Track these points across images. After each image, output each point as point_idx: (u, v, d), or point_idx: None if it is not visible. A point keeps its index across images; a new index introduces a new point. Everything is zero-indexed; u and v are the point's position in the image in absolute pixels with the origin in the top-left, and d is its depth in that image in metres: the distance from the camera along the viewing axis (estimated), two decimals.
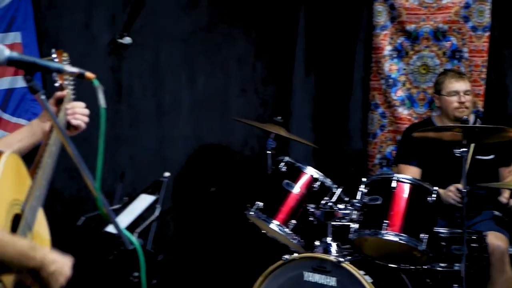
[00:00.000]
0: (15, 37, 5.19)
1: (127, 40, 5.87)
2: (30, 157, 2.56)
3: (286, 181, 4.85)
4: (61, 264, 2.01)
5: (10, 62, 2.03)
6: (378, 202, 4.58)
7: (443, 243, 4.70)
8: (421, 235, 4.47)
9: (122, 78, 5.97)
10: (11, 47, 5.04)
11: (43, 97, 2.04)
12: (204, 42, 6.46)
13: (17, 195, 2.13)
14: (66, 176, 5.25)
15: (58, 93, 2.82)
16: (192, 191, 6.21)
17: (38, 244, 2.01)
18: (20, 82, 5.20)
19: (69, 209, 5.47)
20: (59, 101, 2.82)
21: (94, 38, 5.80)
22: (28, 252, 1.91)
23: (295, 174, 4.86)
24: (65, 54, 2.98)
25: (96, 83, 2.10)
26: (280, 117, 5.59)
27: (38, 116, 2.83)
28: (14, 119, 5.19)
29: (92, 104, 2.89)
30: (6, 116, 5.15)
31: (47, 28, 5.46)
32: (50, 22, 5.51)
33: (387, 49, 6.36)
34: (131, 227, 3.44)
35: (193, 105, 6.44)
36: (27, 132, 2.78)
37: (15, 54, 2.03)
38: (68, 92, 2.84)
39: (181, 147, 6.38)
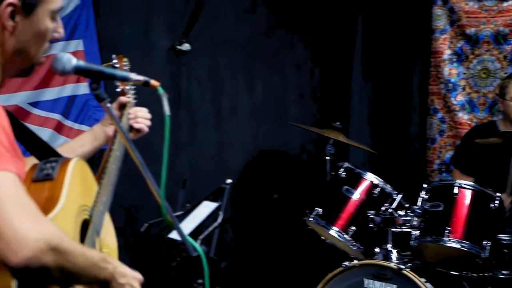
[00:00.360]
0: (77, 44, 5.26)
1: (186, 46, 5.92)
2: (91, 161, 2.59)
3: (346, 187, 4.82)
4: (131, 277, 2.02)
5: (77, 71, 2.06)
6: (440, 209, 4.53)
7: (505, 250, 4.62)
8: (484, 242, 4.40)
9: (181, 84, 6.02)
10: (74, 54, 5.09)
11: (109, 105, 2.06)
12: (262, 47, 6.48)
13: (85, 201, 2.16)
14: (127, 181, 5.30)
15: (122, 98, 2.85)
16: (251, 197, 6.23)
17: (109, 255, 2.03)
18: (82, 89, 5.28)
19: (130, 215, 5.53)
20: (122, 106, 2.86)
21: (154, 45, 5.86)
22: (99, 263, 1.92)
23: (354, 180, 4.84)
24: (125, 59, 3.01)
25: (161, 90, 2.11)
26: (338, 123, 5.56)
27: (99, 121, 2.86)
28: (76, 126, 5.26)
29: (150, 110, 2.93)
30: (68, 123, 5.22)
31: (108, 35, 5.53)
32: (110, 29, 5.58)
33: (447, 53, 6.29)
34: (194, 234, 3.45)
35: (251, 110, 6.47)
36: (89, 137, 2.81)
37: (82, 63, 2.05)
38: (130, 98, 2.88)
39: (239, 153, 6.40)
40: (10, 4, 1.92)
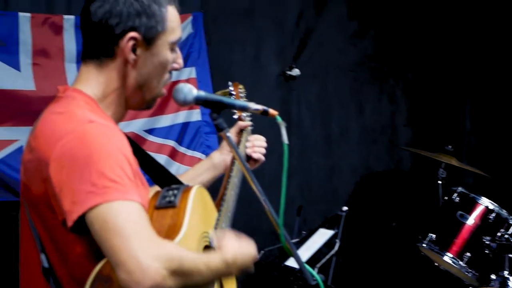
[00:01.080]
0: (190, 72, 5.37)
1: (295, 71, 5.96)
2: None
3: (460, 212, 4.73)
4: (246, 253, 2.05)
5: (197, 101, 2.10)
6: None
7: None
8: None
9: (291, 109, 6.05)
10: (187, 82, 5.24)
11: (228, 134, 2.09)
12: (371, 71, 6.45)
13: (205, 228, 2.19)
14: (239, 206, 5.36)
15: (241, 123, 2.87)
16: (363, 223, 6.17)
17: (226, 250, 2.02)
18: (195, 115, 5.38)
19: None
20: (240, 131, 2.88)
21: (264, 70, 5.92)
22: (222, 269, 1.91)
23: (469, 205, 4.74)
24: (240, 86, 3.03)
25: (279, 119, 2.13)
26: (450, 146, 5.47)
27: (218, 149, 2.86)
28: (189, 152, 5.36)
29: (264, 135, 2.95)
30: (182, 149, 5.33)
31: (219, 62, 5.62)
32: (221, 56, 5.67)
33: None
34: (311, 262, 3.45)
35: (361, 134, 6.44)
36: (208, 165, 2.82)
37: (202, 94, 2.07)
38: (247, 128, 2.91)
39: (349, 178, 6.37)
40: (132, 38, 1.99)
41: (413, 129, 6.63)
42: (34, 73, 4.72)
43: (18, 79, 4.67)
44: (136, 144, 2.21)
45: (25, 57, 4.71)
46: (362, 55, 6.42)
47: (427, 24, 6.57)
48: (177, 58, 2.14)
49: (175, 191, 2.13)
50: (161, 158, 5.18)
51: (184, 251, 1.84)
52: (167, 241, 1.85)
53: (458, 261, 4.63)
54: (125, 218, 1.72)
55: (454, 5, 6.57)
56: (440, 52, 6.60)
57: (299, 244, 3.47)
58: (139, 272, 1.66)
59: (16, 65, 4.68)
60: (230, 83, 3.00)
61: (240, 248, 2.02)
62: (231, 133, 2.86)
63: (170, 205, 2.07)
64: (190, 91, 2.09)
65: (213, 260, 1.91)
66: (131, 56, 2.01)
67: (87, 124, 1.85)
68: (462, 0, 6.57)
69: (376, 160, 6.52)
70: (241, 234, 2.10)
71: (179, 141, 5.32)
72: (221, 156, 2.80)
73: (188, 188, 2.15)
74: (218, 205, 2.42)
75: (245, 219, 5.57)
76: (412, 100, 6.64)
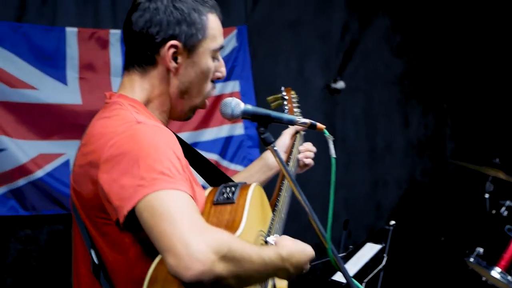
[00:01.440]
0: (234, 85, 5.39)
1: (340, 84, 5.94)
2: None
3: (508, 226, 4.66)
4: (302, 251, 2.02)
5: (245, 115, 2.09)
6: None
7: None
8: None
9: (336, 122, 6.04)
10: (230, 95, 5.26)
11: (275, 148, 2.08)
12: (416, 83, 6.41)
13: (261, 226, 2.19)
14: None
15: (298, 126, 2.85)
16: (410, 237, 6.11)
17: (282, 248, 1.97)
18: (238, 129, 5.40)
19: None
20: (295, 133, 2.87)
21: (308, 83, 5.92)
22: (276, 263, 1.87)
23: None
24: (293, 92, 3.02)
25: (327, 133, 2.12)
26: (498, 159, 5.39)
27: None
28: (232, 166, 5.37)
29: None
30: (225, 163, 5.34)
31: (263, 75, 5.63)
32: (266, 69, 5.68)
33: None
34: (358, 276, 3.42)
35: (407, 147, 6.39)
36: (261, 165, 2.80)
37: (249, 108, 2.06)
38: (299, 132, 2.89)
39: (394, 190, 6.33)
40: (172, 46, 2.00)
41: (459, 142, 6.57)
42: (80, 87, 4.78)
43: (65, 93, 4.73)
44: (187, 144, 2.22)
45: (72, 72, 4.77)
46: (407, 67, 6.38)
47: (475, 36, 6.51)
48: (220, 67, 2.14)
49: (233, 188, 2.14)
50: None
51: (235, 238, 1.83)
52: (216, 228, 1.82)
53: (506, 276, 4.56)
54: (173, 205, 1.70)
55: (501, 18, 6.50)
56: (487, 64, 6.54)
57: (346, 258, 3.44)
58: (188, 257, 1.62)
59: (63, 79, 4.74)
60: (282, 88, 3.00)
61: (297, 246, 2.00)
62: (287, 134, 2.87)
63: (229, 201, 2.08)
64: (238, 105, 2.08)
65: (267, 251, 1.88)
66: (172, 64, 2.02)
67: (135, 124, 1.86)
68: (509, 14, 6.50)
69: (422, 173, 6.46)
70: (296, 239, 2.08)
71: (223, 155, 5.35)
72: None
73: (246, 185, 2.16)
74: (273, 205, 2.42)
75: (291, 233, 5.56)
76: (458, 113, 6.58)
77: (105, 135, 1.87)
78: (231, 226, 1.98)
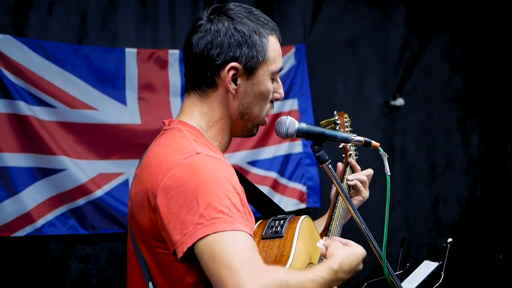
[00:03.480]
0: (292, 104, 5.39)
1: (399, 101, 5.90)
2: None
3: None
4: (352, 254, 2.00)
5: (299, 133, 2.10)
6: None
7: None
8: None
9: (395, 139, 5.99)
10: (289, 113, 5.26)
11: (330, 166, 2.08)
12: (476, 100, 6.33)
13: (311, 258, 2.17)
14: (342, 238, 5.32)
15: (351, 161, 2.83)
16: (470, 255, 6.01)
17: (333, 261, 1.96)
18: (296, 147, 5.39)
19: None
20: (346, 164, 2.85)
21: (367, 101, 5.90)
22: (331, 278, 1.89)
23: None
24: (345, 115, 3.01)
25: (381, 151, 2.11)
26: None
27: None
28: (291, 184, 5.37)
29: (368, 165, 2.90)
30: (283, 181, 5.34)
31: (322, 93, 5.63)
32: (324, 88, 5.68)
33: None
34: None
35: (467, 165, 6.30)
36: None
37: (304, 126, 2.08)
38: (352, 155, 2.88)
39: (454, 208, 6.25)
40: (232, 68, 2.00)
41: None
42: (139, 107, 4.83)
43: (124, 113, 4.79)
44: (241, 174, 2.22)
45: (131, 92, 4.83)
46: (467, 84, 6.31)
47: None
48: (278, 88, 2.14)
49: (282, 221, 2.14)
50: (264, 190, 5.16)
51: (289, 271, 1.83)
52: (272, 266, 1.85)
53: None
54: (232, 249, 1.71)
55: None
56: None
57: (403, 276, 3.40)
58: None
59: (122, 100, 4.80)
60: (335, 112, 2.99)
61: (345, 251, 1.98)
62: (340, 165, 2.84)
63: (277, 235, 2.08)
64: (292, 123, 2.10)
65: (318, 272, 1.87)
66: (232, 86, 2.02)
67: (194, 155, 1.86)
68: None
69: (482, 190, 6.37)
70: (348, 240, 2.06)
71: (281, 173, 5.34)
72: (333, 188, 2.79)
73: (295, 218, 2.16)
74: (324, 235, 2.41)
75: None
76: None
77: (163, 164, 1.88)
78: (279, 261, 1.98)
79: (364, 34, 5.88)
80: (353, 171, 2.83)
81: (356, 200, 2.75)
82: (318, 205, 5.41)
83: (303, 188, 5.40)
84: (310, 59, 5.53)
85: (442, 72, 6.21)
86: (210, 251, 1.71)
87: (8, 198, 4.43)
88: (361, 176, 2.78)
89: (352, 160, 2.80)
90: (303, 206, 5.39)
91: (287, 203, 5.29)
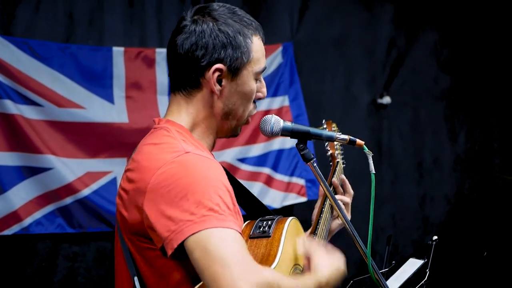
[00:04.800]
0: (282, 100, 5.41)
1: (386, 100, 5.92)
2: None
3: None
4: (336, 270, 2.03)
5: (284, 132, 2.11)
6: None
7: None
8: None
9: (382, 137, 6.02)
10: (280, 110, 5.29)
11: (315, 164, 2.09)
12: (464, 98, 6.36)
13: (298, 260, 2.18)
14: None
15: (343, 177, 2.81)
16: (455, 253, 6.05)
17: (314, 272, 2.01)
18: (288, 143, 5.39)
19: None
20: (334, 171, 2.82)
21: (354, 99, 5.92)
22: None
23: None
24: (334, 125, 3.02)
25: (366, 149, 2.12)
26: None
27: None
28: (286, 178, 5.39)
29: (353, 163, 2.92)
30: (278, 176, 5.36)
31: (310, 92, 5.64)
32: (312, 86, 5.69)
33: None
34: None
35: (454, 163, 6.34)
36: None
37: (288, 125, 2.10)
38: (339, 161, 2.87)
39: (442, 206, 6.28)
40: (217, 70, 2.01)
41: (507, 156, 6.48)
42: (127, 105, 4.83)
43: (112, 112, 4.79)
44: (230, 174, 2.23)
45: (119, 90, 4.83)
46: (454, 82, 6.34)
47: None
48: (262, 88, 2.16)
49: (270, 222, 2.16)
50: (257, 186, 5.23)
51: (281, 276, 1.85)
52: (265, 267, 1.87)
53: None
54: (225, 246, 1.73)
55: None
56: None
57: (389, 273, 3.41)
58: None
59: (110, 98, 4.80)
60: (323, 121, 2.99)
61: (332, 266, 2.02)
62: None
63: (264, 235, 2.10)
64: (277, 122, 2.12)
65: (308, 283, 1.91)
66: (217, 87, 2.03)
67: (184, 154, 1.87)
68: None
69: (470, 188, 6.40)
70: (329, 246, 2.08)
71: (275, 168, 5.35)
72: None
73: (282, 219, 2.18)
74: (311, 237, 2.42)
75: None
76: (506, 127, 6.50)
77: (152, 163, 1.89)
78: (266, 260, 2.00)
79: (351, 32, 5.89)
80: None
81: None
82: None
83: (302, 182, 5.42)
84: (298, 58, 5.54)
85: (429, 71, 6.24)
86: (202, 246, 1.72)
87: None
88: (345, 198, 2.77)
89: (335, 180, 2.78)
90: (303, 199, 5.40)
91: (285, 198, 5.32)
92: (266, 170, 5.33)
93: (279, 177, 5.36)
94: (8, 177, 4.46)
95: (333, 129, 2.94)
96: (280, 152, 5.39)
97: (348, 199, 2.71)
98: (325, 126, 2.93)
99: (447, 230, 6.19)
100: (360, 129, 5.78)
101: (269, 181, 5.33)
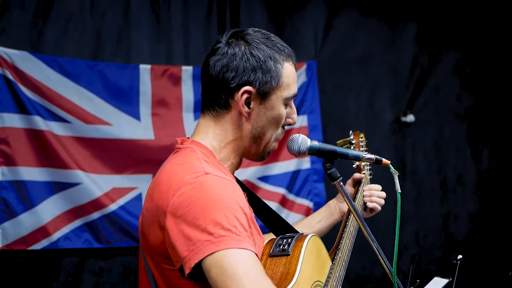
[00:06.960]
0: (302, 120, 5.44)
1: (410, 118, 5.93)
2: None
3: None
4: None
5: (311, 151, 2.12)
6: None
7: None
8: None
9: (406, 155, 6.02)
10: (299, 130, 5.29)
11: (341, 184, 2.10)
12: (487, 116, 6.35)
13: (318, 277, 2.19)
14: (353, 255, 5.34)
15: (356, 175, 2.86)
16: (480, 272, 6.02)
17: None
18: (305, 164, 5.42)
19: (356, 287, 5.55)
20: (357, 182, 2.86)
21: (378, 117, 5.93)
22: None
23: None
24: (361, 135, 3.02)
25: (392, 168, 2.13)
26: None
27: (336, 197, 2.85)
28: (298, 200, 5.40)
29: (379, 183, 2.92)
30: (291, 197, 5.38)
31: (333, 110, 5.67)
32: (335, 105, 5.72)
33: None
34: None
35: (478, 181, 6.32)
36: (326, 213, 2.82)
37: (316, 144, 2.11)
38: (365, 174, 2.89)
39: (465, 224, 6.26)
40: (246, 92, 2.05)
41: None
42: (153, 123, 4.88)
43: (138, 129, 4.84)
44: (251, 191, 2.26)
45: (145, 108, 4.88)
46: (477, 100, 6.34)
47: None
48: (292, 114, 2.18)
49: (289, 240, 2.17)
50: (272, 206, 5.19)
51: None
52: (281, 287, 1.89)
53: None
54: (241, 266, 1.76)
55: None
56: None
57: None
58: None
59: (136, 115, 4.85)
60: (351, 132, 2.99)
61: None
62: (349, 184, 2.87)
63: (284, 253, 2.11)
64: (305, 141, 2.13)
65: None
66: (245, 109, 2.07)
67: (203, 175, 1.90)
68: None
69: (493, 206, 6.37)
70: None
71: (289, 189, 5.38)
72: (338, 204, 2.80)
73: (302, 237, 2.19)
74: (333, 254, 2.42)
75: (359, 268, 5.55)
76: None
77: (173, 182, 1.93)
78: (285, 279, 2.02)
79: (375, 50, 5.92)
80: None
81: (369, 214, 2.80)
82: None
83: (310, 204, 5.44)
84: (321, 76, 5.58)
85: (452, 89, 6.25)
86: (218, 265, 1.76)
87: (25, 211, 4.49)
88: (380, 193, 2.81)
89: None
90: None
91: (294, 219, 5.32)
92: (282, 191, 5.36)
93: (292, 197, 5.39)
94: (37, 192, 4.53)
95: (360, 139, 2.95)
96: (295, 173, 5.42)
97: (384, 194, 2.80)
98: (352, 137, 2.94)
99: (471, 248, 6.16)
100: (384, 147, 5.79)
101: (283, 202, 5.37)
